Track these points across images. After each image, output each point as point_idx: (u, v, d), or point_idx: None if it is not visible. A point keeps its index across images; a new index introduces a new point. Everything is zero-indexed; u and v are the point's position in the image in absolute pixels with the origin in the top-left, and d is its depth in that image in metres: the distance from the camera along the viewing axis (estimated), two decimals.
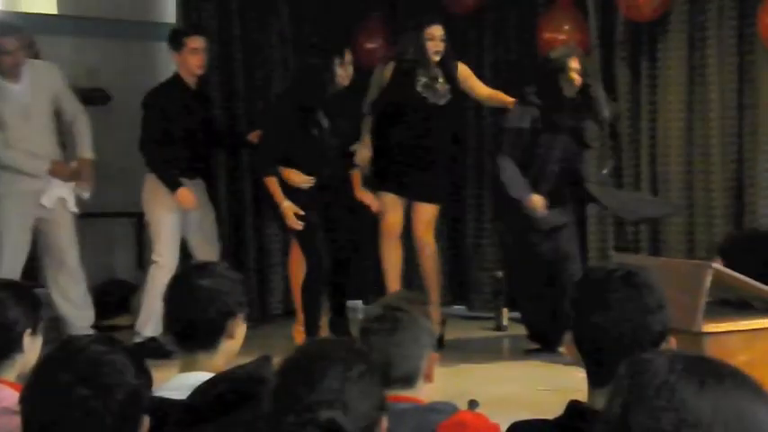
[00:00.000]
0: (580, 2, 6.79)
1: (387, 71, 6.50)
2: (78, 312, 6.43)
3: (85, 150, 6.38)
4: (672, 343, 2.51)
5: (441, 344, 5.73)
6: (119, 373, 2.00)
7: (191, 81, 6.59)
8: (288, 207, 6.22)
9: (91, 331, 6.26)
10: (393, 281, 6.60)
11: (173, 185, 6.39)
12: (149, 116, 6.49)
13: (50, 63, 6.46)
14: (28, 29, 6.42)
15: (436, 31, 6.38)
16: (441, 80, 6.43)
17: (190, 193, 6.44)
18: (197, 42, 6.55)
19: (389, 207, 6.52)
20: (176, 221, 6.53)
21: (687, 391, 1.51)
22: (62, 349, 2.06)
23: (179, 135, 6.48)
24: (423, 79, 6.40)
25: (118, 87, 7.34)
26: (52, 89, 6.31)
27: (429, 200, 6.55)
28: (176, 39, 6.60)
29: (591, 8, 6.67)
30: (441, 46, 6.40)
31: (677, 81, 6.71)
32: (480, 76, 6.76)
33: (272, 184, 6.27)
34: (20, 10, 7.34)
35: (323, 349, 1.98)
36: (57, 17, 7.43)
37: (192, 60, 6.52)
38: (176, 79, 6.59)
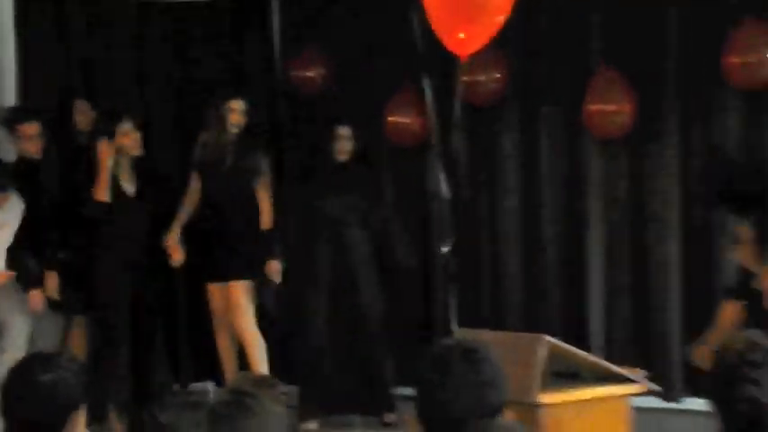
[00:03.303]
0: (420, 90, 6.89)
1: None
2: None
3: None
4: (510, 415, 2.54)
5: None
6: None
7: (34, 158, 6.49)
8: None
9: None
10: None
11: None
12: None
13: None
14: None
15: (236, 104, 6.39)
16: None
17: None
18: (30, 129, 6.44)
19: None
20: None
21: None
22: None
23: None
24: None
25: None
26: None
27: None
28: (6, 122, 6.53)
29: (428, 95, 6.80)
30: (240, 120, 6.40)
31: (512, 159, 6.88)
32: None
33: None
34: None
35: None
36: None
37: (26, 146, 6.44)
38: (20, 160, 6.48)
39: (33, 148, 6.44)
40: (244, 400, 2.59)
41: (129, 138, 6.28)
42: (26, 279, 6.30)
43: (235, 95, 6.47)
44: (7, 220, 6.21)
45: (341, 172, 6.53)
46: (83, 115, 6.71)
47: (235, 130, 6.39)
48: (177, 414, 2.57)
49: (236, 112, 6.38)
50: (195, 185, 6.51)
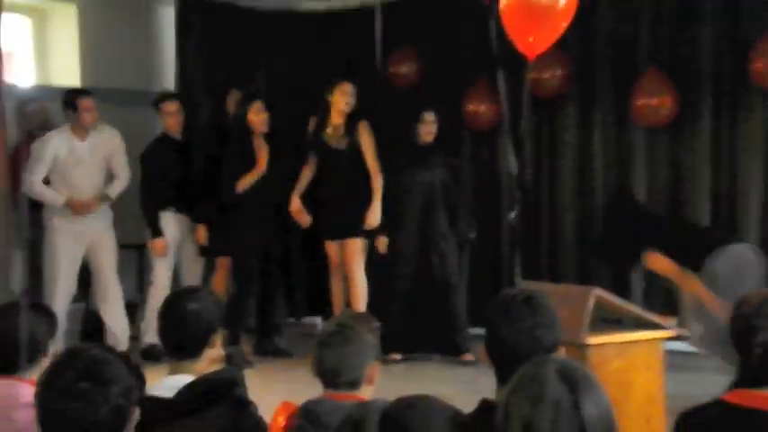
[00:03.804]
0: (494, 84, 6.83)
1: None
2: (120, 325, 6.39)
3: (110, 190, 6.34)
4: (562, 353, 2.52)
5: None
6: (114, 371, 1.97)
7: (176, 136, 6.57)
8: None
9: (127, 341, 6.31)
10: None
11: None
12: (144, 169, 6.50)
13: (113, 130, 6.42)
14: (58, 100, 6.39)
15: (347, 87, 6.31)
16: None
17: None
18: (171, 107, 6.52)
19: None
20: (170, 249, 6.53)
21: (553, 383, 1.65)
22: (67, 354, 2.04)
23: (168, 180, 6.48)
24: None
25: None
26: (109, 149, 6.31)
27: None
28: (155, 103, 6.60)
29: (501, 88, 6.73)
30: (351, 100, 6.30)
31: (570, 143, 6.79)
32: None
33: None
34: (49, 84, 7.24)
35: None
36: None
37: (168, 121, 6.50)
38: (163, 136, 6.58)
39: (172, 123, 6.52)
40: (344, 330, 2.62)
41: (258, 116, 6.32)
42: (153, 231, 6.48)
43: (346, 80, 6.41)
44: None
45: (426, 150, 6.48)
46: (233, 101, 6.73)
47: (346, 109, 6.32)
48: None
49: (347, 93, 6.34)
50: (312, 158, 6.52)
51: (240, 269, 6.43)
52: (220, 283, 6.59)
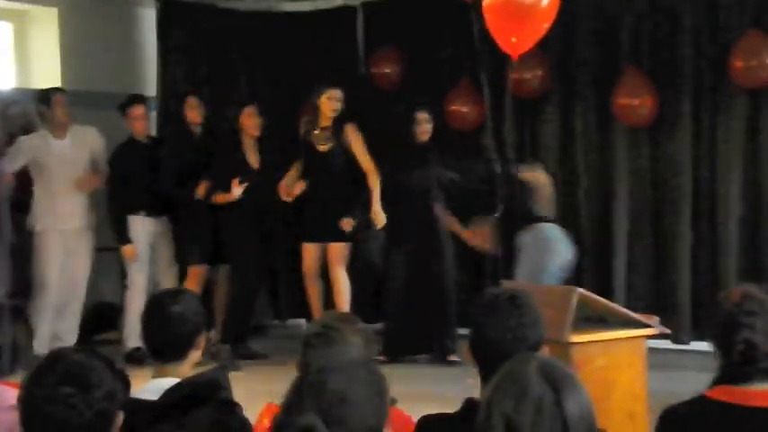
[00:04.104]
0: (476, 81, 6.85)
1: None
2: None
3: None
4: (545, 351, 2.53)
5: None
6: (97, 375, 1.96)
7: (142, 140, 6.54)
8: None
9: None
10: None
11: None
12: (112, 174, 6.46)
13: (91, 127, 6.43)
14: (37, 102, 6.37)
15: (336, 93, 6.28)
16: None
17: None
18: (137, 110, 6.48)
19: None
20: (144, 253, 6.48)
21: (534, 381, 1.66)
22: (50, 357, 2.03)
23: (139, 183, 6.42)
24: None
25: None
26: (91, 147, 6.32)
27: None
28: (121, 107, 6.56)
29: (485, 87, 6.76)
30: (338, 106, 6.26)
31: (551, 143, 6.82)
32: None
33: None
34: (30, 87, 7.20)
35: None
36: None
37: (135, 125, 6.46)
38: (129, 140, 6.53)
39: (140, 127, 6.48)
40: (329, 331, 2.62)
41: (251, 120, 6.30)
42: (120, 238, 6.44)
43: (335, 85, 6.38)
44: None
45: (423, 150, 6.44)
46: (195, 109, 6.62)
47: (333, 115, 6.31)
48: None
49: (334, 99, 6.33)
50: (299, 159, 6.44)
51: (240, 272, 6.38)
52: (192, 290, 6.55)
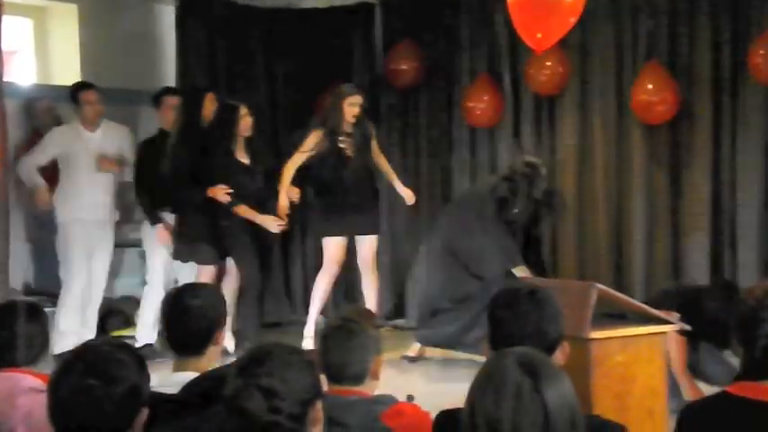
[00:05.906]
0: (498, 80, 6.83)
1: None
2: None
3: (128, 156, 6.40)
4: (565, 347, 2.52)
5: None
6: (123, 369, 1.96)
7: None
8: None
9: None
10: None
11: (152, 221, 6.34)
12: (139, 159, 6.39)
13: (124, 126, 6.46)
14: (59, 98, 6.39)
15: (357, 99, 6.24)
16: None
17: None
18: (173, 100, 6.44)
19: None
20: (165, 250, 6.39)
21: (512, 372, 1.68)
22: (81, 347, 2.05)
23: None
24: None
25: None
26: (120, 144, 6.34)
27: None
28: (156, 97, 6.55)
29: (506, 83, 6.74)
30: (359, 112, 6.23)
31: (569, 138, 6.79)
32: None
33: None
34: (50, 83, 7.24)
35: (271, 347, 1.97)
36: None
37: (169, 115, 6.40)
38: (160, 131, 6.46)
39: (172, 118, 6.36)
40: (348, 324, 2.63)
41: (243, 120, 6.28)
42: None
43: (356, 90, 6.32)
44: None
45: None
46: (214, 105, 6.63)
47: (353, 121, 6.25)
48: None
49: (354, 105, 6.29)
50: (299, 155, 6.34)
51: (249, 271, 6.37)
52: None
